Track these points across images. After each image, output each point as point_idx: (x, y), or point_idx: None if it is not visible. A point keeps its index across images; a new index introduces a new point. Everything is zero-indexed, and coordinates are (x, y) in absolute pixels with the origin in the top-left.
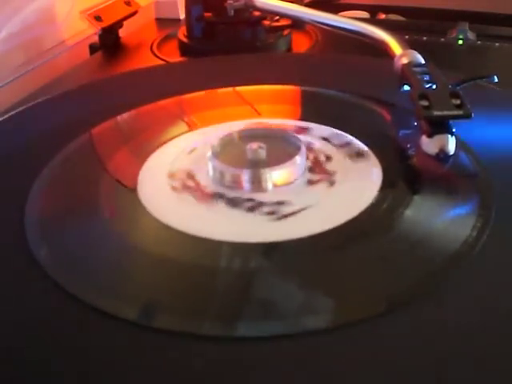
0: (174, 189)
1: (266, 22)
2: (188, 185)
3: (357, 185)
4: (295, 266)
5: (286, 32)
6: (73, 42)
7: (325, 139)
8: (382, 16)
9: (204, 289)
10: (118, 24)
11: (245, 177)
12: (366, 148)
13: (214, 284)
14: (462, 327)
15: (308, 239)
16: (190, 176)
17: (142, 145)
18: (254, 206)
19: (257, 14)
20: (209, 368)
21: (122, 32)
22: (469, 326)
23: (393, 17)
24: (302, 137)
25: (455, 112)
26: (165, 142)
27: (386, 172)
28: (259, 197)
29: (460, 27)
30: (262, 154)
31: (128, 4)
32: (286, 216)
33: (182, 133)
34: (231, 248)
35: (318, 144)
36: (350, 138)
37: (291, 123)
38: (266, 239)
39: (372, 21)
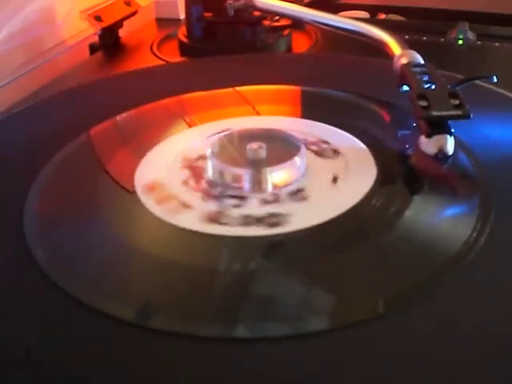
0: (173, 188)
1: (266, 22)
2: (187, 184)
3: (355, 185)
4: (295, 266)
5: (285, 32)
6: (73, 42)
7: (324, 138)
8: (382, 16)
9: (203, 289)
10: (118, 24)
11: (245, 176)
12: (364, 147)
13: (213, 284)
14: (462, 327)
15: (306, 239)
16: (190, 175)
17: (142, 145)
18: (253, 205)
19: (257, 13)
20: (209, 368)
21: (122, 32)
22: (469, 326)
23: (393, 17)
24: (301, 136)
25: (454, 112)
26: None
27: (385, 172)
28: (258, 196)
29: (460, 27)
30: (262, 153)
31: (128, 4)
32: (284, 215)
33: (182, 131)
34: (229, 247)
35: (317, 143)
36: (349, 136)
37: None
38: (264, 238)
39: (372, 21)
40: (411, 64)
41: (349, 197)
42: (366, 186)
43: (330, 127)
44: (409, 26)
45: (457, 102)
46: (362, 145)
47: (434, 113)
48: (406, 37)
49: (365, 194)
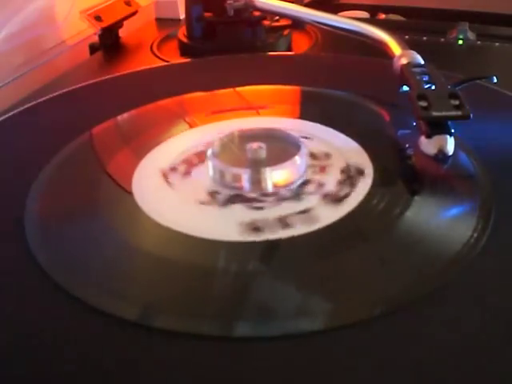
0: (172, 189)
1: (266, 22)
2: (186, 184)
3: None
4: (294, 266)
5: (285, 32)
6: (73, 42)
7: (324, 138)
8: (382, 16)
9: (203, 289)
10: (118, 24)
11: (245, 176)
12: (362, 147)
13: (213, 284)
14: (462, 328)
15: (306, 239)
16: (189, 175)
17: (142, 145)
18: (252, 206)
19: (257, 13)
20: (208, 368)
21: (122, 32)
22: (469, 326)
23: (393, 17)
24: (300, 135)
25: (454, 113)
26: (164, 142)
27: (385, 173)
28: (258, 196)
29: (460, 27)
30: (262, 153)
31: (128, 4)
32: (284, 215)
33: (182, 132)
34: (228, 248)
35: (316, 143)
36: (346, 137)
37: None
38: (263, 239)
39: (372, 21)
40: (411, 64)
41: (351, 200)
42: (364, 188)
43: (329, 128)
44: (409, 26)
45: (457, 102)
46: (360, 145)
47: (434, 113)
48: (406, 37)
49: (372, 197)
